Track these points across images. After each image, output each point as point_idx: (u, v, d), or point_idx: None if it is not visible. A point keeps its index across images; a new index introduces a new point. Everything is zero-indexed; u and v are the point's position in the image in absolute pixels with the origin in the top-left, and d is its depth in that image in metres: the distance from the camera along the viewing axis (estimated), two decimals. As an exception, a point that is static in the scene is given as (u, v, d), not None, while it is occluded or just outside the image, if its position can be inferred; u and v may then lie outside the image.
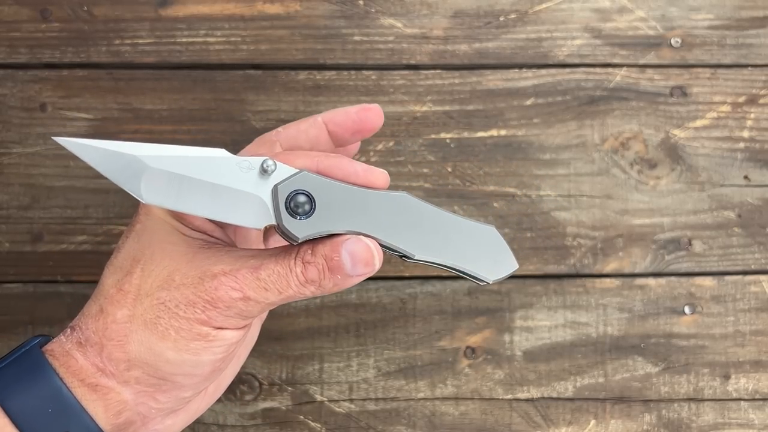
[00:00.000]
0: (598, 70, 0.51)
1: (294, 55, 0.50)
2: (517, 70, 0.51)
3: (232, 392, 0.49)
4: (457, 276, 0.37)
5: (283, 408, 0.49)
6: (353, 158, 0.38)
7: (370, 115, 0.40)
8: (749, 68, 0.51)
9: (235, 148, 0.50)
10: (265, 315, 0.44)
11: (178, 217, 0.36)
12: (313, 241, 0.34)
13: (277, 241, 0.43)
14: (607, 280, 0.50)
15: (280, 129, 0.40)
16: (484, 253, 0.37)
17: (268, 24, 0.50)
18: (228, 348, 0.35)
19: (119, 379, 0.34)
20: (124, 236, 0.37)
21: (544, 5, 0.51)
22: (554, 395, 0.49)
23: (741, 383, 0.50)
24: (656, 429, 0.49)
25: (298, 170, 0.34)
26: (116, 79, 0.50)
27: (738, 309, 0.50)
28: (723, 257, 0.50)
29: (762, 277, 0.50)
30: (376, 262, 0.35)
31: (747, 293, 0.50)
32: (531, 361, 0.49)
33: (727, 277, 0.50)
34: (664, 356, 0.50)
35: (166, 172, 0.33)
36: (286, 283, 0.34)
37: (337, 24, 0.50)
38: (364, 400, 0.49)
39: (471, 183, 0.50)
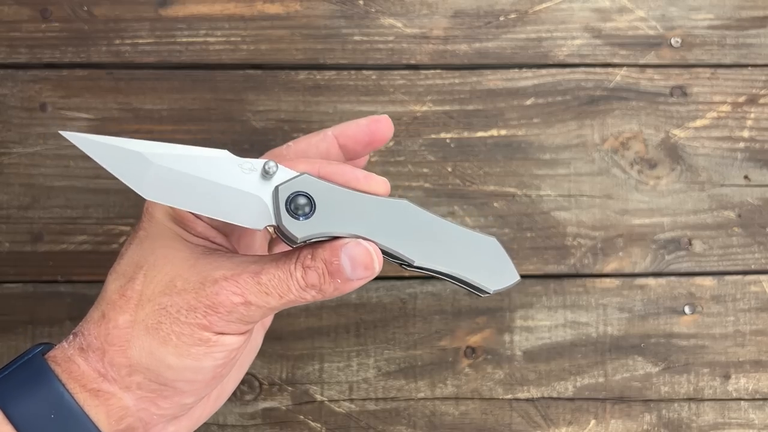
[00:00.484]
0: (598, 69, 0.51)
1: (294, 55, 0.50)
2: (517, 70, 0.51)
3: (232, 392, 0.49)
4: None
5: (283, 408, 0.49)
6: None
7: (381, 126, 0.40)
8: (749, 68, 0.51)
9: (235, 147, 0.50)
10: (268, 322, 0.45)
11: (180, 222, 0.36)
12: (313, 246, 0.35)
13: (282, 249, 0.43)
14: (607, 280, 0.50)
15: (290, 143, 0.40)
16: (485, 264, 0.37)
17: (268, 24, 0.50)
18: (229, 354, 0.35)
19: (121, 385, 0.34)
20: (128, 242, 0.37)
21: (544, 5, 0.51)
22: (554, 395, 0.49)
23: (741, 383, 0.50)
24: (656, 429, 0.49)
25: (299, 173, 0.34)
26: (116, 79, 0.50)
27: (738, 309, 0.50)
28: (723, 257, 0.50)
29: (762, 277, 0.50)
30: (376, 266, 0.35)
31: (747, 293, 0.50)
32: (531, 361, 0.49)
33: (727, 277, 0.50)
34: (664, 356, 0.50)
35: (169, 170, 0.33)
36: (287, 287, 0.34)
37: (337, 24, 0.50)
38: (364, 400, 0.49)
39: (471, 183, 0.50)
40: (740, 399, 0.50)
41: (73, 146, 0.49)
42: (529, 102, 0.51)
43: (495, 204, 0.50)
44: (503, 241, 0.45)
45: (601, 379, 0.49)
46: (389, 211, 0.35)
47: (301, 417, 0.49)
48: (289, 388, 0.49)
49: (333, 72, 0.50)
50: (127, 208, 0.49)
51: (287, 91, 0.50)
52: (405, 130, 0.50)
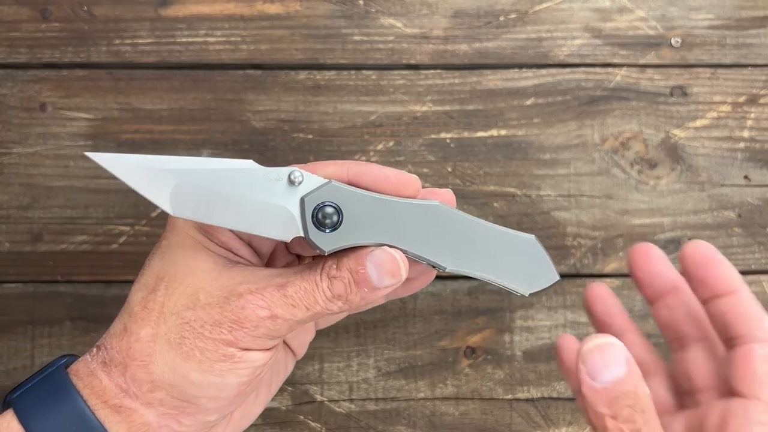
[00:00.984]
0: (598, 69, 0.51)
1: (294, 55, 0.50)
2: (517, 70, 0.51)
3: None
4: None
5: (283, 408, 0.49)
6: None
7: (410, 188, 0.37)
8: (749, 68, 0.51)
9: (234, 147, 0.50)
10: (302, 353, 0.43)
11: (204, 231, 0.36)
12: (339, 255, 0.34)
13: (303, 248, 0.43)
14: (608, 280, 0.50)
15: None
16: (522, 264, 0.36)
17: (268, 24, 0.50)
18: (254, 371, 0.34)
19: (143, 401, 0.33)
20: (151, 254, 0.36)
21: (544, 5, 0.51)
22: (554, 395, 0.49)
23: (741, 383, 0.50)
24: (656, 429, 0.49)
25: (325, 180, 0.34)
26: (116, 79, 0.50)
27: (738, 309, 0.50)
28: (723, 257, 0.50)
29: (762, 277, 0.50)
30: (403, 273, 0.34)
31: (747, 293, 0.50)
32: (531, 361, 0.49)
33: (728, 277, 0.50)
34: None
35: (195, 185, 0.33)
36: (314, 299, 0.33)
37: (337, 24, 0.50)
38: (364, 400, 0.49)
39: (471, 183, 0.50)
40: (740, 399, 0.50)
41: (74, 146, 0.49)
42: (529, 102, 0.51)
43: (495, 204, 0.50)
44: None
45: (601, 379, 0.49)
46: (420, 215, 0.34)
47: (301, 417, 0.49)
48: (289, 388, 0.49)
49: (333, 72, 0.50)
50: (126, 208, 0.49)
51: (287, 91, 0.50)
52: (405, 130, 0.50)
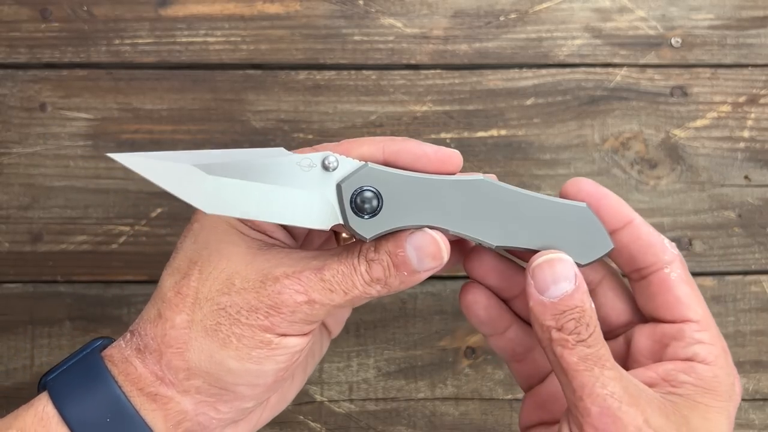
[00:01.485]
0: (598, 69, 0.51)
1: (294, 54, 0.50)
2: (517, 70, 0.51)
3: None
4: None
5: (283, 408, 0.49)
6: None
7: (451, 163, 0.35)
8: (749, 68, 0.51)
9: (234, 148, 0.50)
10: (337, 331, 0.42)
11: None
12: (377, 237, 0.33)
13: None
14: (608, 280, 0.50)
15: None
16: (575, 234, 0.34)
17: (268, 24, 0.50)
18: (292, 356, 0.33)
19: (179, 389, 0.33)
20: (183, 236, 0.35)
21: (544, 5, 0.51)
22: (554, 395, 0.49)
23: (741, 383, 0.50)
24: (656, 429, 0.49)
25: (362, 163, 0.32)
26: (116, 79, 0.50)
27: (738, 309, 0.50)
28: (723, 257, 0.50)
29: (762, 277, 0.50)
30: (444, 255, 0.33)
31: (747, 293, 0.50)
32: (531, 361, 0.49)
33: (728, 277, 0.50)
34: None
35: (226, 179, 0.31)
36: (352, 282, 0.32)
37: (337, 24, 0.50)
38: (364, 400, 0.49)
39: (471, 183, 0.50)
40: (740, 399, 0.49)
41: (74, 146, 0.49)
42: (529, 102, 0.51)
43: (495, 204, 0.50)
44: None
45: (601, 380, 0.49)
46: (464, 192, 0.33)
47: (301, 417, 0.49)
48: (289, 389, 0.49)
49: (333, 72, 0.50)
50: (126, 208, 0.49)
51: (287, 91, 0.50)
52: (405, 130, 0.50)
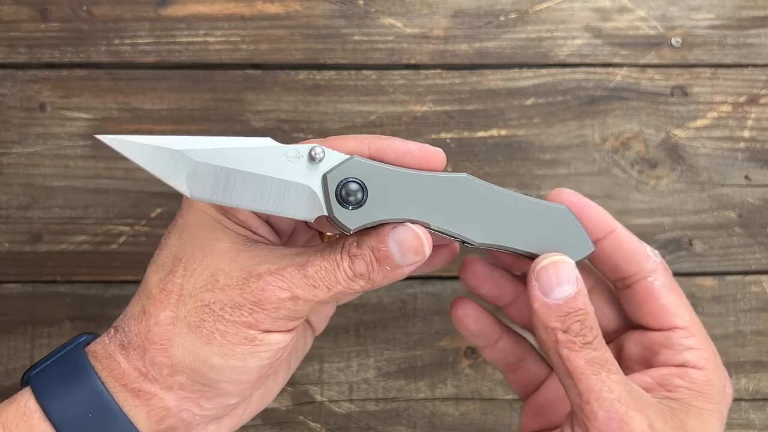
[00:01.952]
0: (598, 69, 0.51)
1: (294, 54, 0.50)
2: (517, 70, 0.51)
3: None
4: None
5: (283, 408, 0.49)
6: None
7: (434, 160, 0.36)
8: (750, 68, 0.51)
9: (234, 148, 0.49)
10: (321, 328, 0.42)
11: (221, 210, 0.35)
12: (360, 233, 0.33)
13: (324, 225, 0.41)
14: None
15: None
16: (556, 236, 0.35)
17: (267, 24, 0.50)
18: (276, 353, 0.34)
19: (162, 385, 0.33)
20: (168, 232, 0.35)
21: (544, 5, 0.51)
22: (554, 395, 0.49)
23: (741, 383, 0.50)
24: (657, 429, 0.49)
25: (347, 156, 0.33)
26: (116, 79, 0.50)
27: (738, 309, 0.50)
28: (723, 257, 0.50)
29: (763, 277, 0.50)
30: (426, 250, 0.33)
31: (747, 293, 0.50)
32: (531, 361, 0.49)
33: (728, 277, 0.50)
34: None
35: (212, 166, 0.32)
36: (335, 278, 0.33)
37: (337, 24, 0.50)
38: (364, 400, 0.49)
39: (471, 183, 0.50)
40: (740, 399, 0.50)
41: (73, 146, 0.49)
42: (529, 102, 0.51)
43: (495, 204, 0.50)
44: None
45: (601, 380, 0.49)
46: (448, 188, 0.33)
47: (301, 417, 0.49)
48: (289, 389, 0.49)
49: (333, 72, 0.50)
50: (126, 208, 0.49)
51: (287, 91, 0.50)
52: (405, 130, 0.50)
